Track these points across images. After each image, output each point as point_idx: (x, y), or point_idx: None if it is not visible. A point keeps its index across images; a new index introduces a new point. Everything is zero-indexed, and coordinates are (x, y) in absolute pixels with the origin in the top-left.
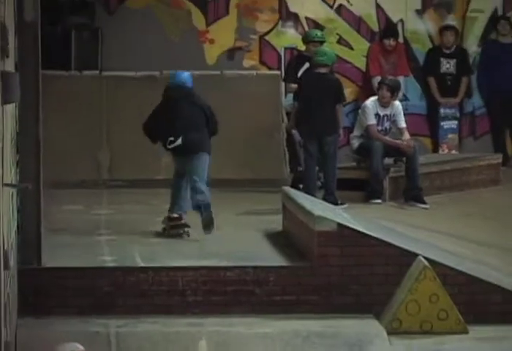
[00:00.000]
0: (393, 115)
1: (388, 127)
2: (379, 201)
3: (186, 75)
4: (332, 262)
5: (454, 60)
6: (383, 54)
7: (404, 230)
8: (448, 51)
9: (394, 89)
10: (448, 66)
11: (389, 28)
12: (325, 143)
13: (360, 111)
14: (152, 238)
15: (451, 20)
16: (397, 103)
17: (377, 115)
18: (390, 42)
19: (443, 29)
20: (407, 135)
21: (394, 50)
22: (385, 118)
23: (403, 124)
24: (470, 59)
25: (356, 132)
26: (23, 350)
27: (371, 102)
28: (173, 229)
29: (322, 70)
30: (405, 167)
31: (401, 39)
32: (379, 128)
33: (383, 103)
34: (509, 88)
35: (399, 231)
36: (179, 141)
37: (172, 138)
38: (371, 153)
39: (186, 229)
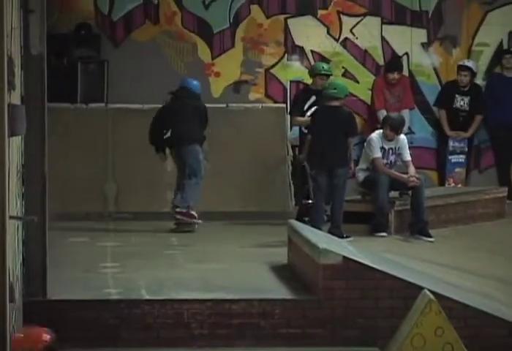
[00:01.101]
0: (398, 148)
1: (393, 160)
2: (384, 234)
3: (195, 82)
4: (337, 295)
5: (468, 97)
6: (388, 87)
7: (410, 263)
8: (463, 88)
9: (397, 128)
10: (461, 102)
11: (393, 62)
12: (335, 176)
13: (365, 144)
14: (158, 270)
15: (468, 61)
16: (402, 136)
17: (382, 148)
18: (394, 76)
19: (459, 69)
20: (412, 169)
21: (398, 83)
22: (390, 151)
23: (408, 158)
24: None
25: (362, 165)
26: None
27: (376, 135)
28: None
29: (335, 103)
30: (411, 200)
31: (406, 72)
32: (385, 161)
33: (387, 139)
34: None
35: (404, 264)
36: (168, 133)
37: (164, 131)
38: (377, 186)
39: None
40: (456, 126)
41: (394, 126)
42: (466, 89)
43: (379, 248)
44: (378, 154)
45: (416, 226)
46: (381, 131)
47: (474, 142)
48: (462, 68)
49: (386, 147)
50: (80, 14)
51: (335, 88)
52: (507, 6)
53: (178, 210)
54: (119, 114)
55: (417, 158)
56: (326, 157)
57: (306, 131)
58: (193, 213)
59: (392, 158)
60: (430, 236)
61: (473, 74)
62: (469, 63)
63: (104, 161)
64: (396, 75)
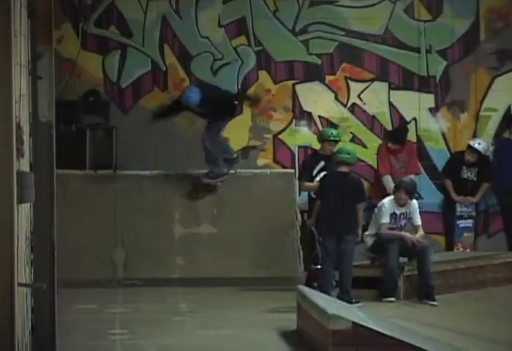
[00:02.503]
0: (410, 213)
1: (403, 224)
2: (392, 299)
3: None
4: None
5: (476, 169)
6: (393, 153)
7: (418, 329)
8: (471, 158)
9: (412, 191)
10: (469, 174)
11: (396, 134)
12: (343, 241)
13: (376, 210)
14: (167, 336)
15: (479, 143)
16: (414, 201)
17: (393, 214)
18: (395, 147)
19: (468, 148)
20: (421, 233)
21: (403, 149)
22: (402, 216)
23: (419, 222)
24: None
25: (370, 231)
26: None
27: (388, 201)
28: None
29: (344, 169)
30: (417, 265)
31: (413, 138)
32: (395, 226)
33: (400, 204)
34: None
35: (414, 330)
36: None
37: None
38: (387, 251)
39: None
40: (464, 194)
41: (409, 190)
42: (473, 161)
43: (388, 314)
44: (386, 220)
45: (422, 290)
46: (392, 197)
47: (482, 207)
48: (472, 149)
49: (398, 212)
50: (89, 81)
51: (348, 153)
52: None
53: None
54: (127, 180)
55: (425, 223)
56: (335, 223)
57: (314, 196)
58: None
59: (403, 222)
60: (434, 300)
61: (481, 155)
62: (479, 147)
63: (113, 228)
64: (396, 147)
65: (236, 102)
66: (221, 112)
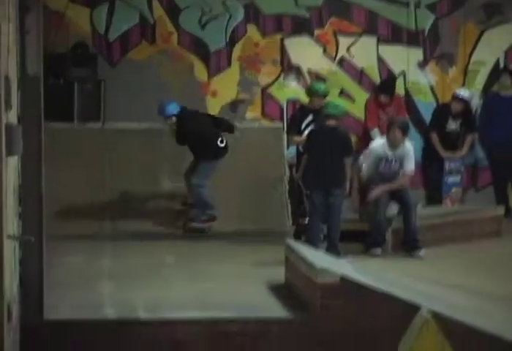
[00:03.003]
0: (403, 156)
1: (396, 169)
2: (379, 251)
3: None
4: (335, 314)
5: (460, 119)
6: (382, 106)
7: (406, 282)
8: (457, 107)
9: (406, 129)
10: (453, 126)
11: (385, 85)
12: (331, 195)
13: (361, 156)
14: (154, 289)
15: (464, 92)
16: (408, 143)
17: (385, 157)
18: (385, 99)
19: (453, 98)
20: (404, 179)
21: (391, 102)
22: (393, 160)
23: (409, 168)
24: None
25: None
26: None
27: (378, 143)
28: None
29: (332, 123)
30: (402, 218)
31: (402, 91)
32: (387, 170)
33: (394, 144)
34: (510, 141)
35: (402, 283)
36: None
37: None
38: (376, 204)
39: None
40: (450, 148)
41: (403, 128)
42: (459, 110)
43: (376, 267)
44: (367, 162)
45: (408, 244)
46: (382, 139)
47: (469, 161)
48: (457, 99)
49: (390, 155)
50: (77, 34)
51: (335, 107)
52: (503, 25)
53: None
54: (116, 133)
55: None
56: (322, 177)
57: (302, 150)
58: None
59: (396, 167)
60: (419, 253)
61: (467, 104)
62: (464, 95)
63: (101, 181)
64: (387, 99)
65: (222, 144)
66: (203, 151)
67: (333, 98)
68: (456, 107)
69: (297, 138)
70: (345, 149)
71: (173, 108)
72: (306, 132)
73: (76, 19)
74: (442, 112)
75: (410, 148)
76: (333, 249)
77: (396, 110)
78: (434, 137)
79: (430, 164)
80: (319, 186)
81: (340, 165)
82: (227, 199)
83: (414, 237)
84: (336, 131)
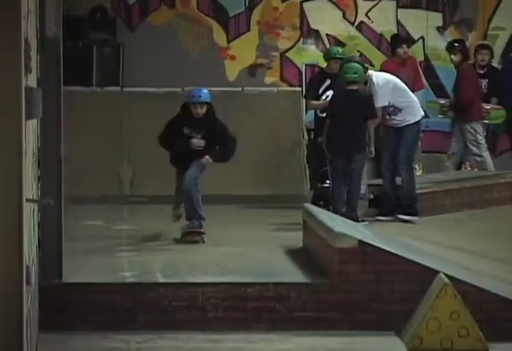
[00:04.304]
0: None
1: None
2: (387, 218)
3: (205, 92)
4: (352, 278)
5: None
6: (397, 70)
7: (425, 247)
8: (481, 71)
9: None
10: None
11: (397, 38)
12: (353, 161)
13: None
14: (173, 254)
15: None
16: (374, 79)
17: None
18: (403, 50)
19: (478, 48)
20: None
21: (407, 64)
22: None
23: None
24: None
25: None
26: None
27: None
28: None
29: (353, 87)
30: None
31: (421, 56)
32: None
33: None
34: None
35: (420, 248)
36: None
37: None
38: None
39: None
40: None
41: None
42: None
43: (394, 232)
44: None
45: (402, 207)
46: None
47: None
48: (482, 46)
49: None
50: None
51: (355, 73)
52: None
53: None
54: (134, 97)
55: (432, 141)
56: (345, 142)
57: (321, 114)
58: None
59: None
60: (408, 218)
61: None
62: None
63: (120, 145)
64: (406, 49)
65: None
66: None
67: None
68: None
69: (315, 102)
70: (367, 111)
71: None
72: (324, 97)
73: None
74: None
75: (376, 82)
76: (352, 213)
77: (413, 73)
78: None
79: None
80: (341, 151)
81: (363, 130)
82: (244, 164)
83: (407, 201)
84: (356, 95)
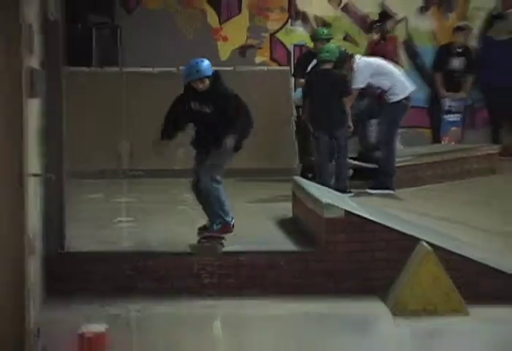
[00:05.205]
0: None
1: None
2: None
3: (202, 65)
4: (339, 247)
5: (463, 58)
6: (376, 49)
7: (408, 217)
8: (458, 50)
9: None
10: (456, 64)
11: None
12: (335, 137)
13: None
14: (170, 225)
15: (459, 21)
16: (356, 62)
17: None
18: (376, 35)
19: (456, 30)
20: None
21: (387, 44)
22: None
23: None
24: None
25: None
26: (47, 333)
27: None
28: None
29: (327, 66)
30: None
31: (403, 36)
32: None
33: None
34: (503, 83)
35: (403, 218)
36: None
37: None
38: None
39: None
40: (451, 87)
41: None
42: (460, 50)
43: (379, 203)
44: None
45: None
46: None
47: (468, 102)
48: (458, 28)
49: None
50: None
51: (327, 52)
52: None
53: None
54: (133, 77)
55: (412, 117)
56: (324, 119)
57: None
58: None
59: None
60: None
61: (468, 33)
62: (463, 25)
63: (119, 121)
64: (378, 34)
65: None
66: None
67: (338, 42)
68: (461, 38)
69: (302, 81)
70: (341, 89)
71: (208, 68)
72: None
73: None
74: (443, 52)
75: (357, 66)
76: (341, 184)
77: (392, 48)
78: (438, 76)
79: (432, 104)
80: (322, 127)
81: (339, 107)
82: None
83: (383, 173)
84: (330, 74)
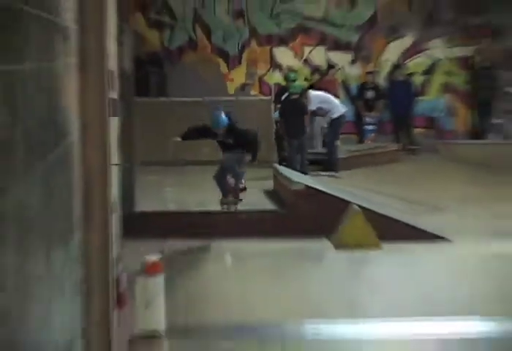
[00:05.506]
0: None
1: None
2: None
3: (221, 119)
4: (302, 207)
5: (373, 91)
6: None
7: (345, 188)
8: (370, 85)
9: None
10: (369, 94)
11: (331, 66)
12: (300, 141)
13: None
14: (202, 193)
15: (371, 68)
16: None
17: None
18: (332, 73)
19: (367, 73)
20: None
21: (331, 82)
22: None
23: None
24: (381, 89)
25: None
26: (123, 260)
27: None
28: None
29: (294, 97)
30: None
31: (341, 78)
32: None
33: None
34: (400, 107)
35: (342, 189)
36: None
37: None
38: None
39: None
40: (367, 109)
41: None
42: (371, 86)
43: (329, 180)
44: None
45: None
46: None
47: (379, 118)
48: (371, 72)
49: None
50: (150, 45)
51: (294, 88)
52: (399, 39)
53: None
54: (174, 104)
55: (346, 127)
56: (293, 130)
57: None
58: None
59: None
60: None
61: (375, 75)
62: (375, 69)
63: (167, 130)
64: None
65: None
66: (246, 145)
67: (300, 82)
68: (370, 78)
69: (279, 106)
70: (303, 111)
71: (224, 120)
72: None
73: (151, 38)
74: (363, 87)
75: (310, 97)
76: (304, 169)
77: (333, 88)
78: (359, 104)
79: (357, 119)
80: (292, 135)
81: (302, 121)
82: None
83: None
84: (296, 101)
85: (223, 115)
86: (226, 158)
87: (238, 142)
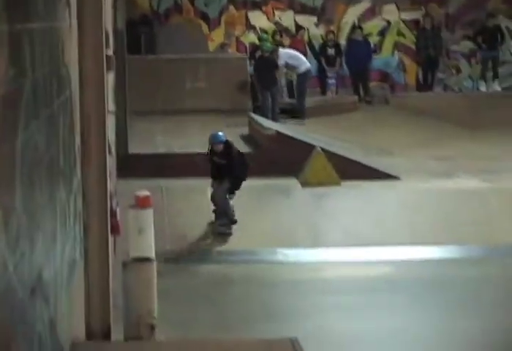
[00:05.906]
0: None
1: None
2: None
3: (219, 135)
4: (273, 149)
5: (333, 48)
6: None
7: (312, 134)
8: (331, 43)
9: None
10: (330, 51)
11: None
12: (272, 90)
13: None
14: (186, 137)
15: (332, 28)
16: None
17: None
18: (300, 33)
19: (328, 32)
20: None
21: (298, 41)
22: None
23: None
24: (342, 47)
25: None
26: (118, 194)
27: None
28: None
29: (266, 54)
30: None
31: (306, 39)
32: None
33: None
34: (359, 63)
35: (308, 134)
36: None
37: None
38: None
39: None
40: (329, 64)
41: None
42: (332, 43)
43: (299, 127)
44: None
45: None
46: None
47: (340, 72)
48: (329, 32)
49: None
50: (141, 8)
51: (266, 47)
52: (359, 4)
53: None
54: (161, 60)
55: (312, 81)
56: (265, 82)
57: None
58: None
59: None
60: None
61: (335, 34)
62: (333, 29)
63: (155, 82)
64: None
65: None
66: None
67: (272, 41)
68: (331, 37)
69: (253, 62)
70: (274, 66)
71: (222, 136)
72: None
73: (141, 2)
74: (324, 44)
75: (280, 54)
76: (274, 116)
77: (301, 46)
78: (322, 59)
79: (320, 74)
80: (265, 87)
81: (273, 75)
82: (216, 91)
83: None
84: (268, 58)
85: (221, 133)
86: (216, 190)
87: (231, 164)
